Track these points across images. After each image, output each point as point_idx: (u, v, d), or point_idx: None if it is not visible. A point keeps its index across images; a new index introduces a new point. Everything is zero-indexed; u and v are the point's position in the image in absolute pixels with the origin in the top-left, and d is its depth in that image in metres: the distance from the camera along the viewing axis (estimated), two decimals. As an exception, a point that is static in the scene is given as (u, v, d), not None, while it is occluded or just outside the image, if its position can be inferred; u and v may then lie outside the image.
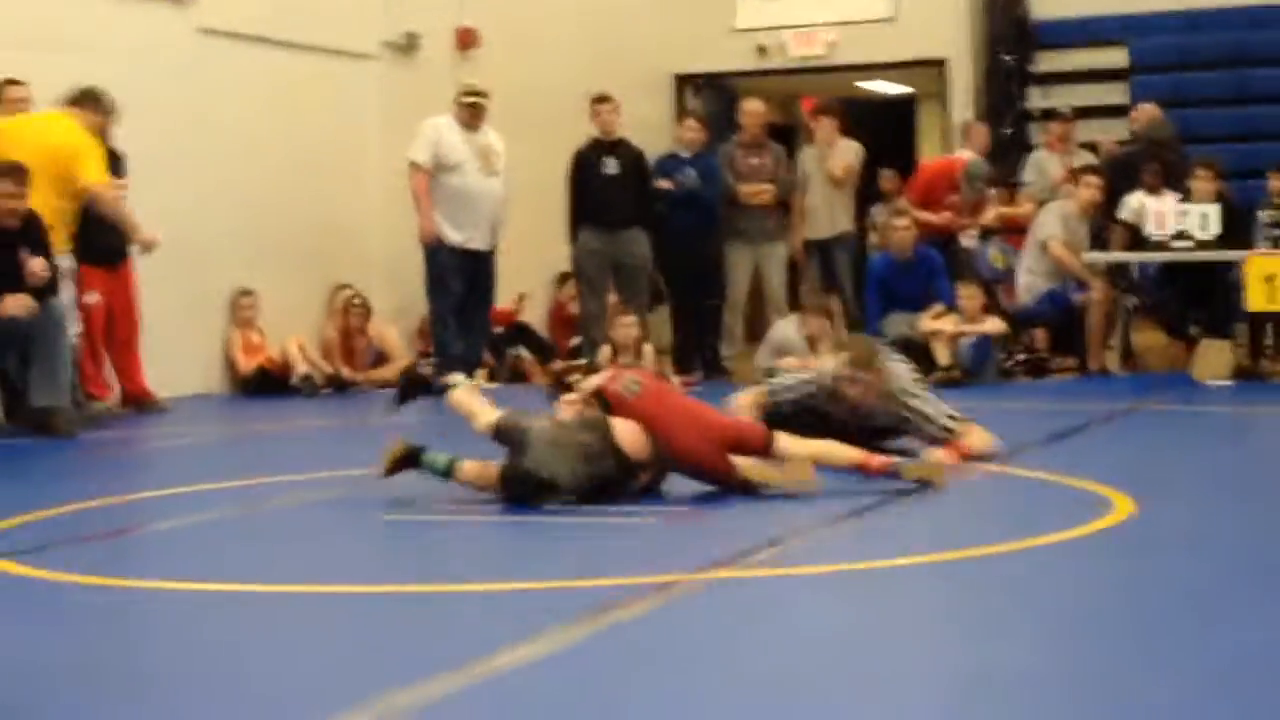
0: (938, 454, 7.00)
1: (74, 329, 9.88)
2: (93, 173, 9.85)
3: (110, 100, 10.23)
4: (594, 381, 6.40)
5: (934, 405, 7.30)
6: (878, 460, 6.22)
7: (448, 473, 6.21)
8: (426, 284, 11.99)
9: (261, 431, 10.04)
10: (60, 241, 9.71)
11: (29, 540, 5.71)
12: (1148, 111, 13.30)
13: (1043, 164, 13.50)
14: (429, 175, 11.74)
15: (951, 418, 7.28)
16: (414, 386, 7.00)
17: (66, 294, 9.77)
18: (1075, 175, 12.69)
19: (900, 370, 7.45)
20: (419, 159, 11.73)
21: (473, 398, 6.61)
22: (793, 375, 7.60)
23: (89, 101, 10.11)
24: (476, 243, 11.85)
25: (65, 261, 9.79)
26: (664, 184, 12.56)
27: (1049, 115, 14.29)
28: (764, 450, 6.22)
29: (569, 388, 6.62)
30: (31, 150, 9.60)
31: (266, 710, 3.56)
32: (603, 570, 5.02)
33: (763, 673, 3.72)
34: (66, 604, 4.74)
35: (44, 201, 9.55)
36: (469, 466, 6.21)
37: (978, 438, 7.26)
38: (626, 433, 6.12)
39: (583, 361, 6.65)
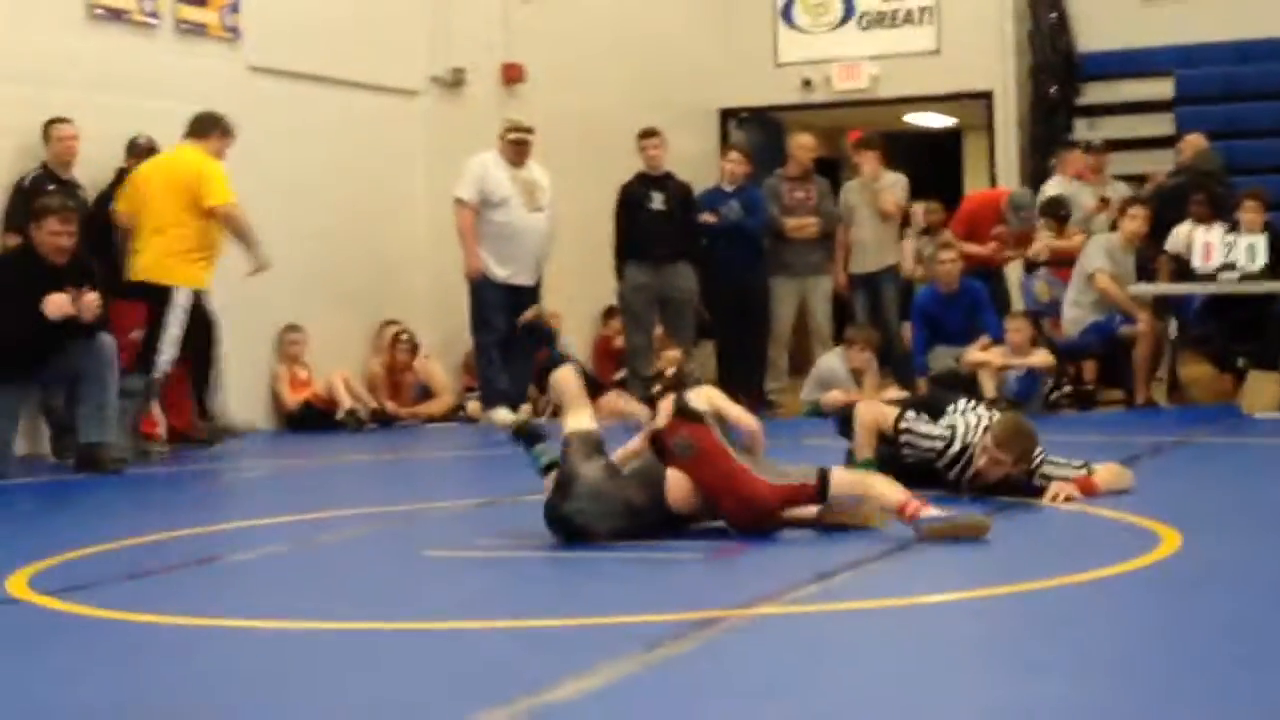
0: (1056, 486, 6.96)
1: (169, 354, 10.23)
2: (218, 194, 10.34)
3: (229, 122, 10.60)
4: (661, 418, 6.26)
5: (1060, 469, 7.13)
6: (912, 507, 6.01)
7: (544, 472, 6.18)
8: (471, 319, 12.06)
9: (307, 467, 10.08)
10: (182, 277, 10.30)
11: (76, 577, 5.74)
12: (1194, 143, 13.27)
13: (1075, 195, 13.46)
14: (475, 212, 11.81)
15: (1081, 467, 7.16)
16: (535, 332, 6.86)
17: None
18: (1120, 206, 12.66)
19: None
20: (465, 196, 11.83)
21: (580, 392, 6.40)
22: (928, 426, 7.25)
23: (209, 127, 10.55)
24: (520, 278, 11.91)
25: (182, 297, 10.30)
26: (707, 218, 12.58)
27: (1086, 145, 14.27)
28: (816, 501, 6.15)
29: (653, 401, 6.53)
30: (162, 188, 10.24)
31: (310, 747, 3.57)
32: (647, 607, 5.01)
33: (807, 709, 3.72)
34: (112, 641, 4.76)
35: (183, 233, 10.24)
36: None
37: (1108, 473, 7.17)
38: (677, 488, 6.08)
39: (671, 371, 6.55)
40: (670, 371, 6.57)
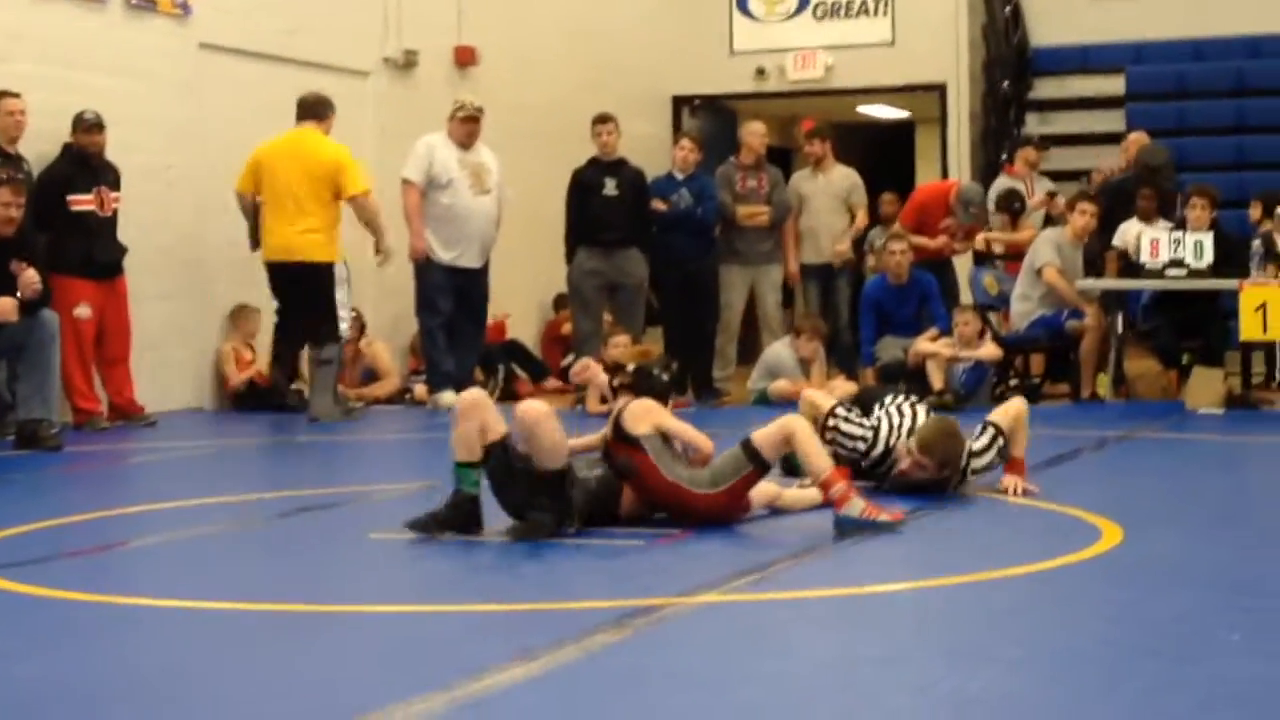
0: (1011, 481, 6.96)
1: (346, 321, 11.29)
2: (359, 183, 11.08)
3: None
4: (609, 423, 6.25)
5: (981, 457, 7.06)
6: (840, 488, 5.99)
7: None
8: (417, 302, 12.01)
9: (250, 446, 10.02)
10: (333, 253, 11.04)
11: (14, 554, 5.69)
12: (1137, 140, 13.35)
13: (1012, 189, 13.51)
14: (421, 193, 11.76)
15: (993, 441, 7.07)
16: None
17: None
18: (1070, 201, 12.71)
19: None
20: (411, 176, 11.77)
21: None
22: (853, 426, 7.14)
23: (326, 109, 11.26)
24: (466, 260, 11.85)
25: (341, 270, 11.23)
26: (658, 205, 12.57)
27: (1026, 140, 14.34)
28: (762, 468, 6.16)
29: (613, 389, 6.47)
30: (302, 171, 10.97)
31: (245, 729, 3.55)
32: (589, 593, 5.00)
33: (747, 697, 3.71)
34: (50, 619, 4.73)
35: (327, 214, 11.01)
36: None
37: (1013, 427, 7.11)
38: (627, 502, 6.20)
39: (631, 368, 6.36)
40: (631, 368, 6.41)
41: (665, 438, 6.17)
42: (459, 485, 5.91)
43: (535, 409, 5.97)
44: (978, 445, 7.01)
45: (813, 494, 6.31)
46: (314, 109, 11.26)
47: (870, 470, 7.11)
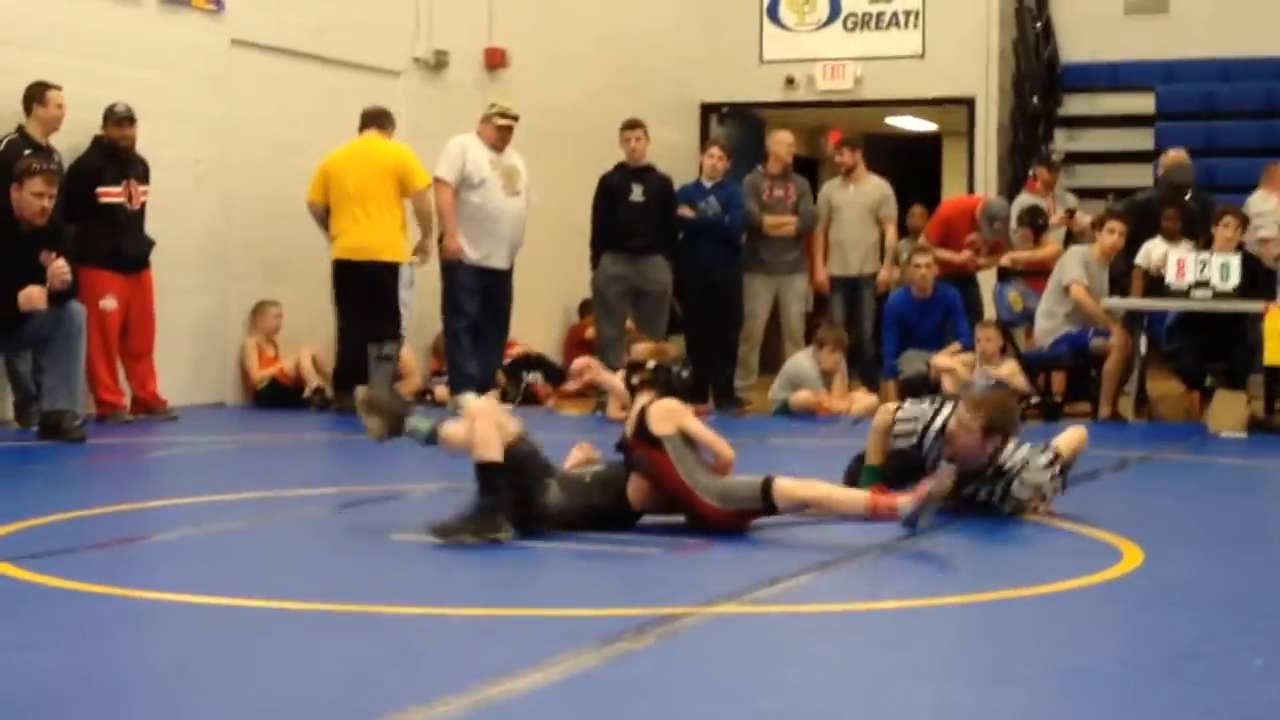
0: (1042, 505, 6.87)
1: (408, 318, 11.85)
2: (424, 177, 11.55)
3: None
4: (629, 423, 6.25)
5: (1039, 474, 6.88)
6: (884, 503, 6.01)
7: (430, 438, 6.20)
8: (443, 302, 12.00)
9: (271, 443, 10.04)
10: (402, 253, 11.58)
11: (34, 545, 5.71)
12: (1172, 157, 13.29)
13: (1027, 206, 13.50)
14: (454, 192, 11.77)
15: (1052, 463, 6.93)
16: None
17: None
18: (1098, 219, 12.69)
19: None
20: (445, 175, 11.77)
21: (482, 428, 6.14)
22: (911, 409, 7.04)
23: (388, 119, 11.77)
24: (495, 261, 11.86)
25: (406, 271, 11.87)
26: (685, 212, 12.57)
27: (1043, 157, 14.32)
28: (769, 510, 6.14)
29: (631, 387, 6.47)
30: (373, 172, 11.44)
31: (264, 728, 3.56)
32: (609, 601, 5.00)
33: (766, 708, 3.71)
34: (69, 611, 4.74)
35: (397, 214, 11.51)
36: (453, 431, 6.16)
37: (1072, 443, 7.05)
38: (636, 491, 6.20)
39: (652, 365, 6.37)
40: (651, 364, 6.40)
41: (687, 439, 6.17)
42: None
43: (481, 404, 6.06)
44: (1039, 461, 6.86)
45: (857, 496, 6.21)
46: (377, 118, 11.69)
47: (925, 455, 6.94)
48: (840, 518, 6.15)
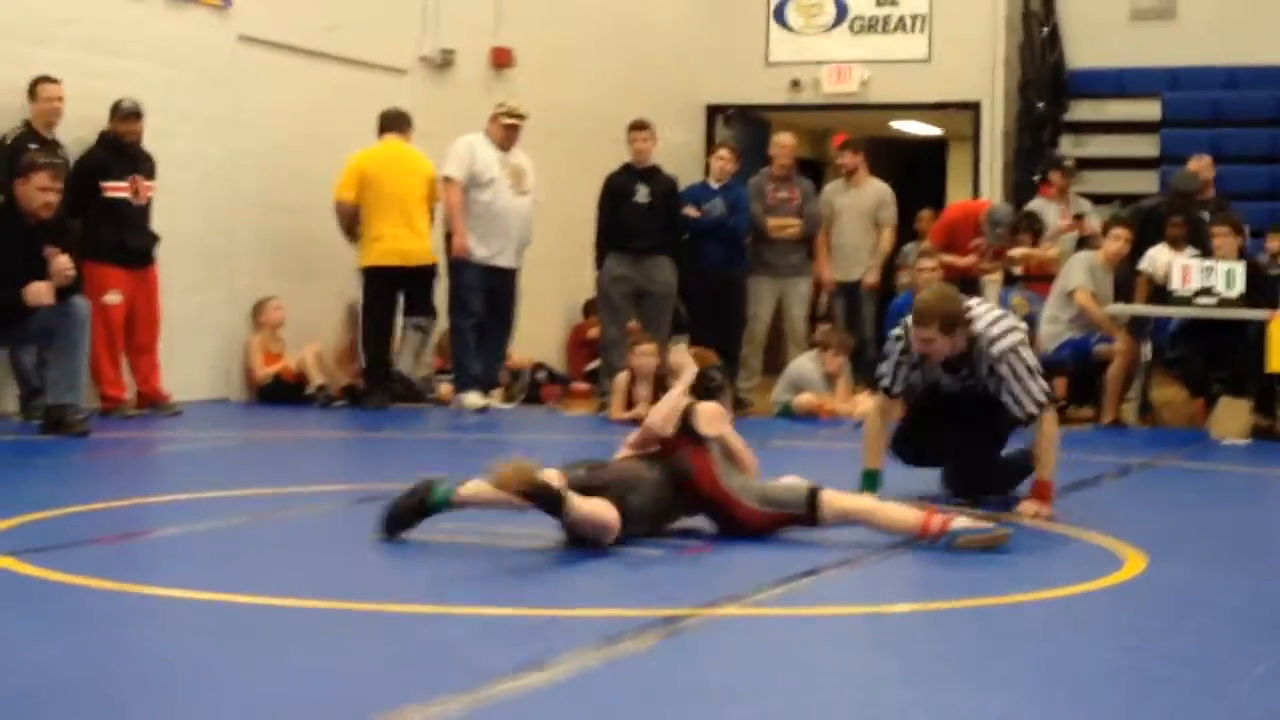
0: (1030, 507, 6.88)
1: None
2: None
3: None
4: (668, 424, 6.14)
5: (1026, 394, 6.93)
6: (936, 522, 5.95)
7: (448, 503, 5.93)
8: (450, 302, 12.03)
9: (274, 440, 10.05)
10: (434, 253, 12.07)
11: (36, 539, 5.72)
12: (1191, 166, 13.25)
13: (1041, 212, 13.52)
14: (463, 191, 11.78)
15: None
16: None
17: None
18: (1104, 226, 12.69)
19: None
20: (454, 174, 11.80)
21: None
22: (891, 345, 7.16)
23: (407, 124, 12.15)
24: (503, 260, 11.88)
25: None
26: (691, 211, 12.57)
27: (1056, 163, 14.33)
28: (810, 521, 6.10)
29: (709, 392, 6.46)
30: (413, 179, 11.94)
31: (264, 725, 3.56)
32: (611, 601, 5.01)
33: (767, 711, 3.71)
34: (69, 606, 4.75)
35: (423, 222, 11.95)
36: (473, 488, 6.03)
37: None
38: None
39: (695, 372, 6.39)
40: (696, 371, 6.41)
41: (724, 446, 6.19)
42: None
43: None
44: (994, 331, 6.90)
45: (908, 514, 6.11)
46: (397, 122, 12.08)
47: (912, 386, 7.03)
48: (888, 533, 6.05)
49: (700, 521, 6.24)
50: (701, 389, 6.31)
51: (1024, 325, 7.02)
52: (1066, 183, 13.82)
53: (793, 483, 6.18)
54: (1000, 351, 6.89)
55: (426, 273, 12.01)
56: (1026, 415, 6.95)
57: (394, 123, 12.05)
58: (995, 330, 6.92)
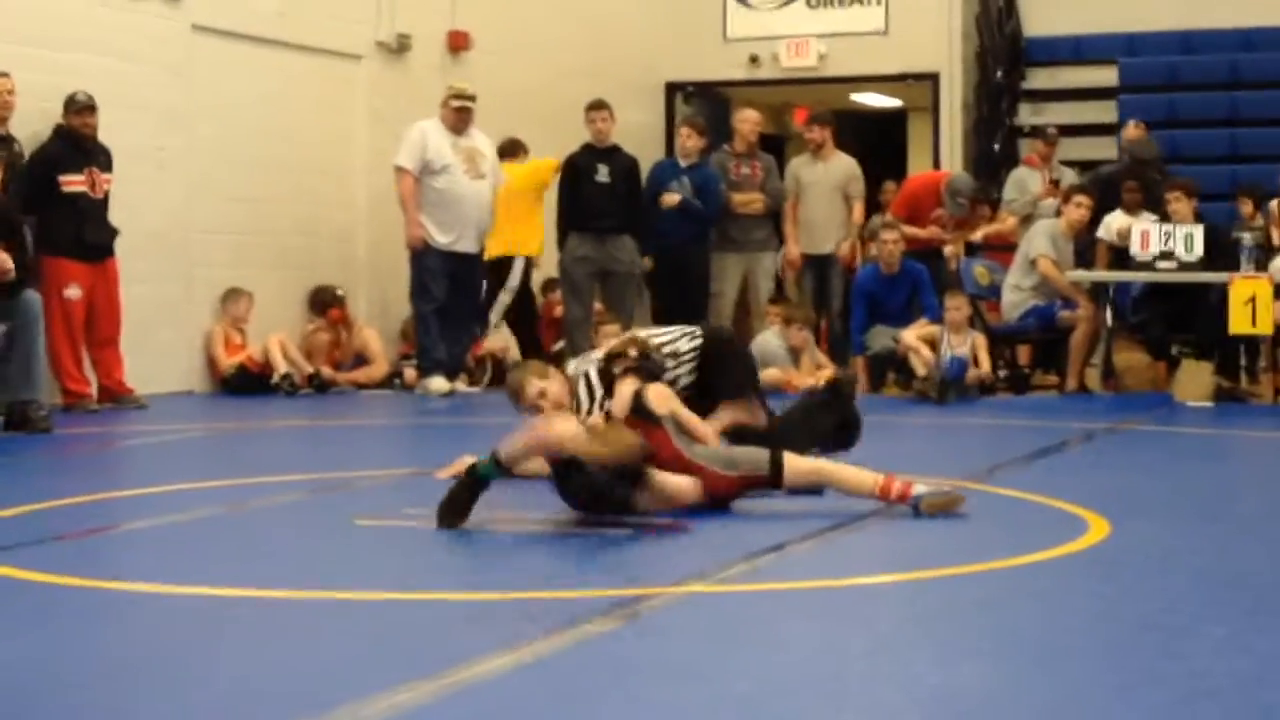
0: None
1: None
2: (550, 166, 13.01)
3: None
4: (618, 407, 6.27)
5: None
6: (898, 486, 6.08)
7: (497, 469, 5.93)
8: (411, 287, 12.01)
9: (239, 431, 10.02)
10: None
11: (2, 537, 5.69)
12: (1132, 131, 13.36)
13: (1024, 180, 13.56)
14: (415, 180, 11.76)
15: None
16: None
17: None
18: (1065, 194, 12.73)
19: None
20: (405, 163, 11.78)
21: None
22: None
23: (520, 150, 13.18)
24: (463, 245, 11.86)
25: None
26: (670, 199, 12.56)
27: (1038, 132, 14.38)
28: (775, 483, 6.18)
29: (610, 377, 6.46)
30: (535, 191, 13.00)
31: (233, 716, 3.55)
32: (577, 582, 5.00)
33: (736, 688, 3.72)
34: (35, 603, 4.73)
35: (533, 222, 12.73)
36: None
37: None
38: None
39: (634, 353, 6.41)
40: (633, 352, 6.46)
41: (676, 422, 6.25)
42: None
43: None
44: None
45: (866, 476, 6.20)
46: (515, 150, 13.21)
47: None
48: (847, 494, 6.18)
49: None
50: (646, 372, 6.34)
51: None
52: (1049, 151, 13.85)
53: (752, 448, 6.27)
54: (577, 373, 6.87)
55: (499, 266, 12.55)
56: None
57: (513, 150, 13.02)
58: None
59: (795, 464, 6.19)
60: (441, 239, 11.79)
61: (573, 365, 7.08)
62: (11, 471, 8.04)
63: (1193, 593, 4.84)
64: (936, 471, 7.05)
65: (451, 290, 11.89)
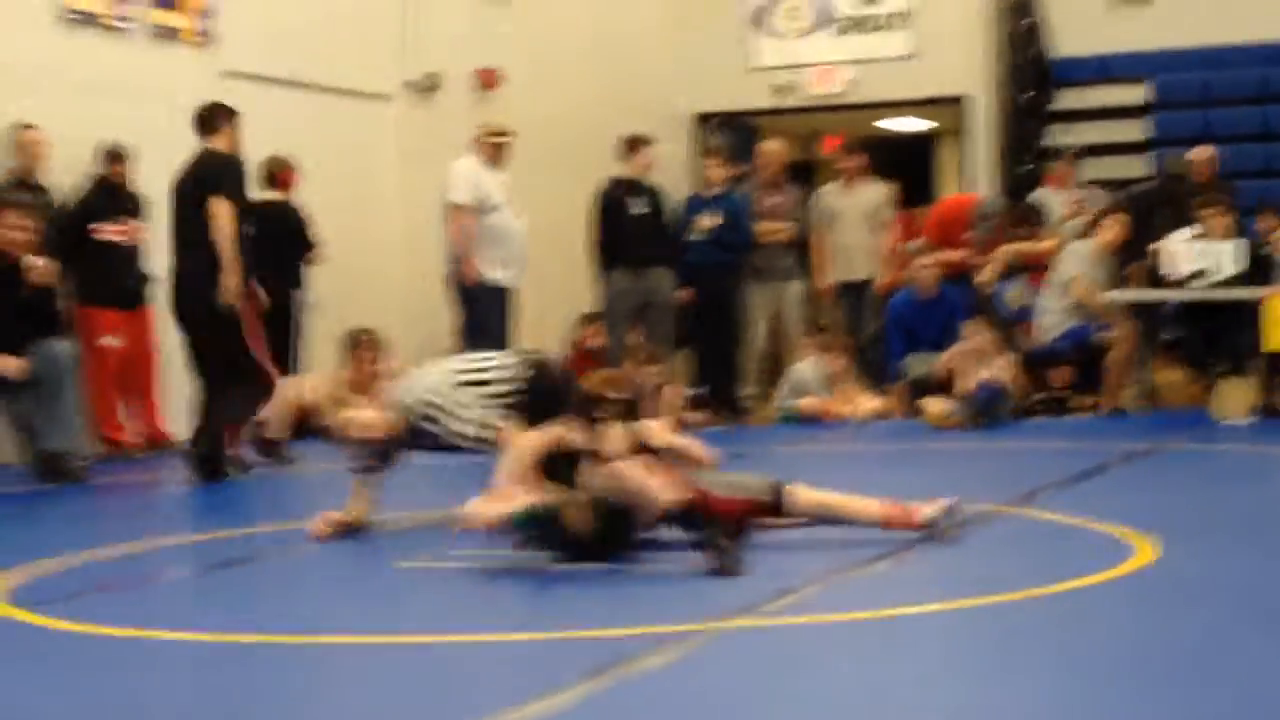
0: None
1: None
2: None
3: None
4: (614, 447, 6.25)
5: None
6: (902, 513, 6.11)
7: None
8: (466, 326, 11.68)
9: (276, 476, 10.01)
10: None
11: (42, 589, 5.70)
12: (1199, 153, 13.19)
13: (1046, 201, 13.51)
14: (474, 217, 11.53)
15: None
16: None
17: None
18: (1099, 214, 12.68)
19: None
20: (463, 200, 11.50)
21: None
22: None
23: None
24: (515, 280, 11.76)
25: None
26: (703, 225, 12.57)
27: (1060, 154, 14.32)
28: (776, 509, 6.20)
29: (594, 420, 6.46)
30: None
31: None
32: (621, 620, 4.98)
33: (781, 725, 3.71)
34: (78, 654, 4.73)
35: None
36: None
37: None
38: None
39: (614, 398, 6.40)
40: (613, 395, 6.44)
41: (676, 452, 6.31)
42: None
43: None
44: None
45: (871, 505, 6.25)
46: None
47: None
48: (854, 524, 6.18)
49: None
50: (631, 411, 6.34)
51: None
52: (1070, 171, 13.80)
53: (757, 475, 6.35)
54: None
55: None
56: None
57: None
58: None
59: (798, 493, 6.22)
60: (500, 276, 11.63)
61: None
62: (51, 522, 8.06)
63: (1240, 618, 4.79)
64: (975, 496, 7.03)
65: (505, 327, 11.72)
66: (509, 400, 6.92)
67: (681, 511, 5.79)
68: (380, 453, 6.90)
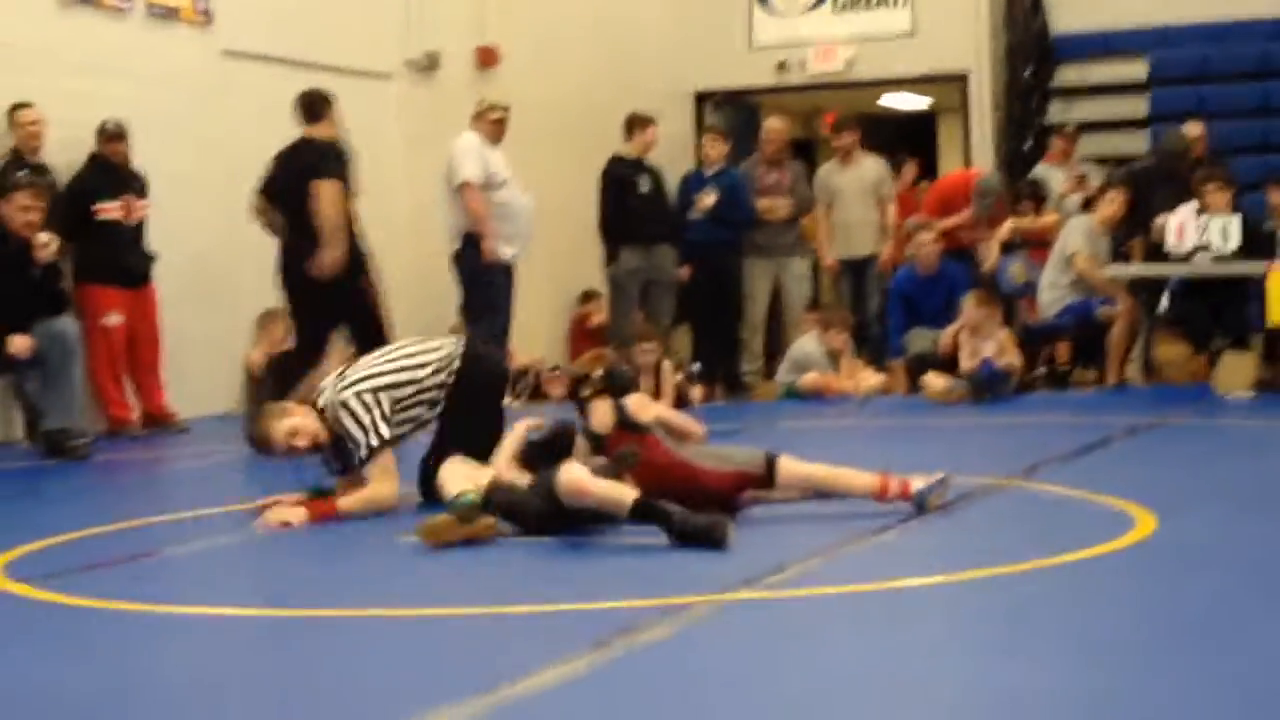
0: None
1: None
2: None
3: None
4: (599, 424, 6.26)
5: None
6: (895, 484, 6.13)
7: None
8: (474, 304, 11.61)
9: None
10: None
11: (46, 564, 5.72)
12: (1191, 129, 13.19)
13: (1045, 177, 13.51)
14: (484, 193, 11.46)
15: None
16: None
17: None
18: (1098, 189, 12.69)
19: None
20: (474, 177, 11.33)
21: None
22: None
23: None
24: (520, 257, 11.73)
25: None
26: (705, 202, 12.57)
27: (1060, 130, 14.32)
28: (762, 486, 6.22)
29: (581, 401, 6.46)
30: None
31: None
32: (624, 592, 4.99)
33: (794, 692, 3.72)
34: (86, 630, 4.75)
35: None
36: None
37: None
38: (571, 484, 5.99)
39: (597, 375, 6.40)
40: (598, 374, 6.45)
41: (664, 426, 6.31)
42: None
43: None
44: None
45: (865, 476, 6.26)
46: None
47: None
48: (846, 495, 6.23)
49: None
50: (617, 389, 6.34)
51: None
52: (1069, 147, 13.81)
53: (747, 448, 6.37)
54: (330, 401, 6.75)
55: None
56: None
57: None
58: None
59: (790, 465, 6.23)
60: (509, 252, 11.56)
61: (325, 397, 6.80)
62: (53, 498, 8.08)
63: (1242, 588, 4.81)
64: (977, 470, 7.05)
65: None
66: (432, 396, 6.86)
67: (642, 511, 5.69)
68: (326, 459, 6.86)
